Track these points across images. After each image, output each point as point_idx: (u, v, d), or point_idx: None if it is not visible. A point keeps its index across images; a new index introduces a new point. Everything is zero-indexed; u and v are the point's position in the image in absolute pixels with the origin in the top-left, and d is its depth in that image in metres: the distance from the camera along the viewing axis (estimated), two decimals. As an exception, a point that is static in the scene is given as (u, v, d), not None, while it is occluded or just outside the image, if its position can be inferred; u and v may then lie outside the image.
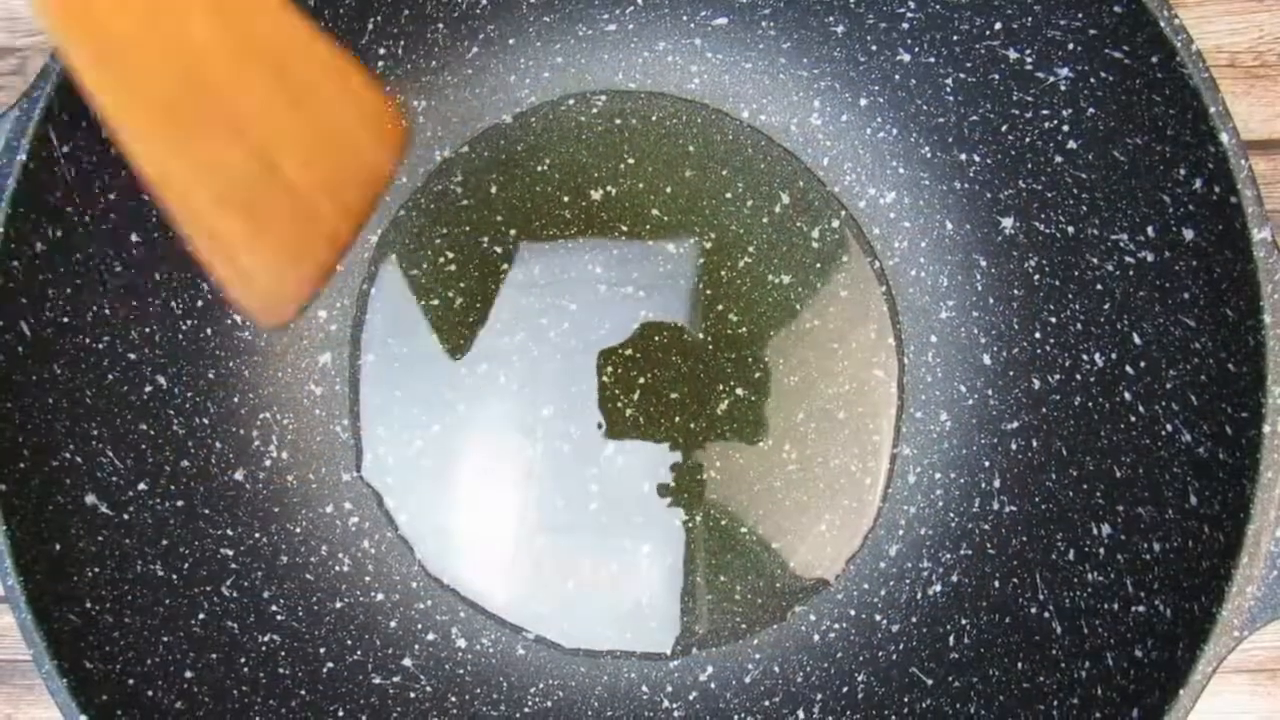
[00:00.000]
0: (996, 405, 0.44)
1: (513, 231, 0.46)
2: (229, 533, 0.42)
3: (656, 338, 0.45)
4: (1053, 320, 0.41)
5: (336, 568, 0.44)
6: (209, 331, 0.42)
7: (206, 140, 0.27)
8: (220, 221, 0.28)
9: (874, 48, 0.43)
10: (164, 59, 0.26)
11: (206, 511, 0.42)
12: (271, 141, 0.28)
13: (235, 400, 0.43)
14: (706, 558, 0.45)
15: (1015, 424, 0.43)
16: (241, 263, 0.29)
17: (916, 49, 0.42)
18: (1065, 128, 0.39)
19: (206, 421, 0.42)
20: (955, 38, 0.41)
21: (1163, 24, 0.34)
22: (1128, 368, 0.38)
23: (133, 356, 0.40)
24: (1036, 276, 0.42)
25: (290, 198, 0.29)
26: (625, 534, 0.45)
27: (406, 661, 0.44)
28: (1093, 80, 0.37)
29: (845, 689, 0.43)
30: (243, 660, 0.40)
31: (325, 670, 0.42)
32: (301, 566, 0.44)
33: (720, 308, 0.45)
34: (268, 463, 0.44)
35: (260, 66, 0.27)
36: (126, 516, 0.39)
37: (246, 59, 0.27)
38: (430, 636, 0.44)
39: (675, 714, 0.44)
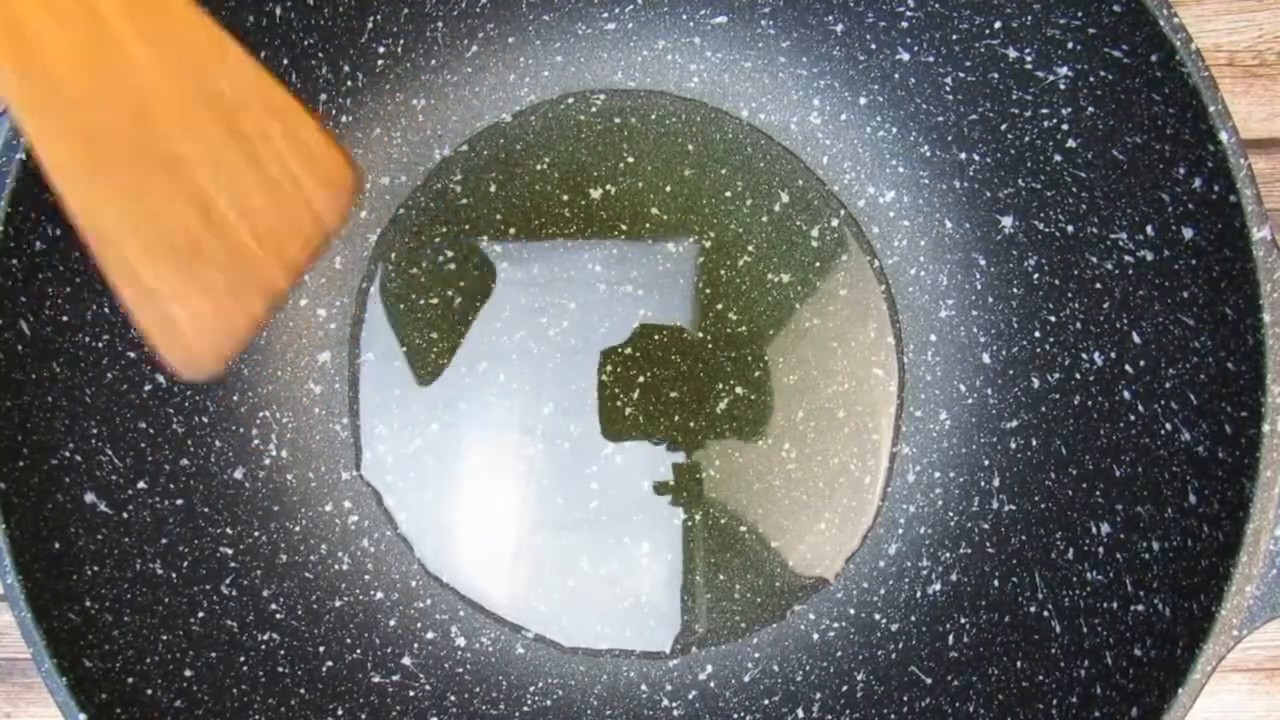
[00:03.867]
0: (996, 404, 0.44)
1: (512, 230, 0.46)
2: (228, 531, 0.42)
3: (656, 337, 0.45)
4: (1052, 319, 0.41)
5: (336, 566, 0.44)
6: (208, 330, 0.42)
7: (144, 185, 0.26)
8: (150, 271, 0.27)
9: (873, 46, 0.43)
10: (106, 97, 0.25)
11: (206, 510, 0.42)
12: (214, 188, 0.27)
13: (234, 399, 0.43)
14: (706, 556, 0.45)
15: (1015, 423, 0.43)
16: (169, 313, 0.28)
17: (916, 48, 0.42)
18: (1065, 126, 0.39)
19: (206, 420, 0.42)
20: (955, 36, 0.41)
21: (1162, 23, 0.34)
22: (1127, 367, 0.38)
23: (132, 355, 0.40)
24: (1036, 275, 0.42)
25: (227, 248, 0.28)
26: (625, 532, 0.45)
27: (406, 660, 0.44)
28: (1092, 79, 0.37)
29: (844, 688, 0.43)
30: (242, 659, 0.40)
31: (324, 669, 0.42)
32: (301, 565, 0.44)
33: (720, 307, 0.45)
34: (267, 461, 0.44)
35: (210, 111, 0.26)
36: (126, 515, 0.39)
37: (196, 102, 0.26)
38: (430, 635, 0.44)
39: (675, 713, 0.44)
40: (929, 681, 0.41)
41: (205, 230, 0.27)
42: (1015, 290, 0.43)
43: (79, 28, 0.24)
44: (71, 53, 0.24)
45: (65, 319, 0.37)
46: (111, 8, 0.24)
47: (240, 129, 0.27)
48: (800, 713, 0.43)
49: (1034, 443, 0.42)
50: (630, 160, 0.46)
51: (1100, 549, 0.38)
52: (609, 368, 0.45)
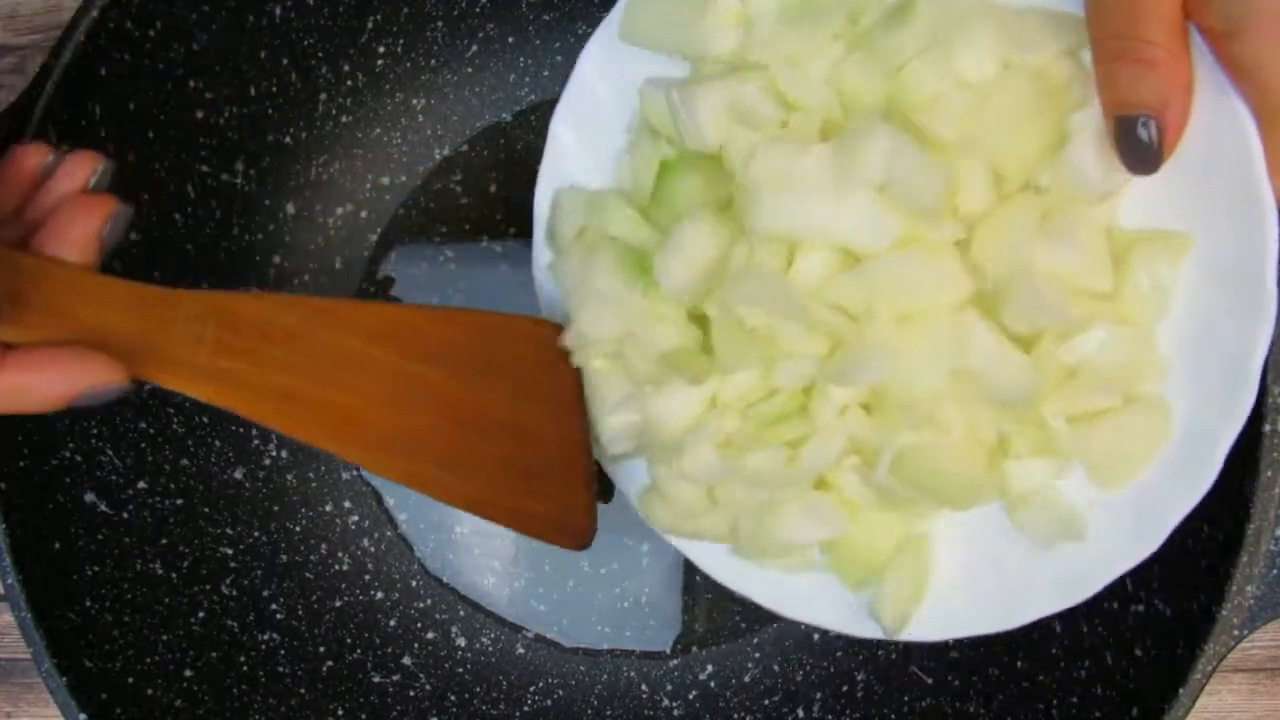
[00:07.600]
0: (996, 404, 0.43)
1: (512, 230, 0.46)
2: (228, 531, 0.42)
3: (656, 336, 0.45)
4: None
5: (336, 566, 0.44)
6: (208, 330, 0.42)
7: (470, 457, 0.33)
8: (517, 499, 0.34)
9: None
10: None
11: (206, 510, 0.42)
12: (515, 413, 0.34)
13: (235, 399, 0.43)
14: (706, 556, 0.45)
15: (1015, 423, 0.43)
16: (528, 512, 0.35)
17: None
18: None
19: (206, 420, 0.42)
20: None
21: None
22: (1127, 366, 0.38)
23: (132, 355, 0.40)
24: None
25: (537, 450, 0.35)
26: (625, 532, 0.44)
27: (406, 660, 0.44)
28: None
29: (845, 687, 0.43)
30: (242, 659, 0.40)
31: (325, 669, 0.42)
32: (301, 565, 0.44)
33: (720, 306, 0.45)
34: (267, 461, 0.44)
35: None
36: (126, 515, 0.39)
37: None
38: (430, 635, 0.44)
39: (675, 712, 0.44)
40: (929, 681, 0.41)
41: (521, 449, 0.34)
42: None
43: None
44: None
45: (65, 319, 0.37)
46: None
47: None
48: (800, 712, 0.43)
49: (1034, 443, 0.42)
50: (630, 160, 0.46)
51: (1100, 549, 0.38)
52: (609, 368, 0.45)
